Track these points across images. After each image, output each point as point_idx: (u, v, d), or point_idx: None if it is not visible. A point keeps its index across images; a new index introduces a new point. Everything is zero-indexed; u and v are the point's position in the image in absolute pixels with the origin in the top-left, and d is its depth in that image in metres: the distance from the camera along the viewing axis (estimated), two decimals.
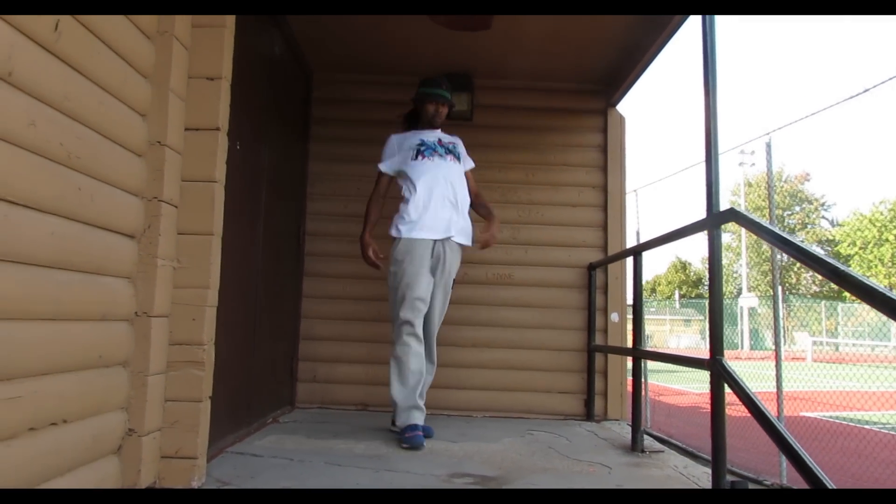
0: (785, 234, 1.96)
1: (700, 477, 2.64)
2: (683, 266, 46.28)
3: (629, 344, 4.05)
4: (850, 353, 20.29)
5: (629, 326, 4.03)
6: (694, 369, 2.61)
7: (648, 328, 28.60)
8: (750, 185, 34.75)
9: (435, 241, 3.16)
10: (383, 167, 3.32)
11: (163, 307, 2.09)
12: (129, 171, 1.94)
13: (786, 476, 3.82)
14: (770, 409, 1.96)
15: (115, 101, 1.85)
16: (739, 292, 32.16)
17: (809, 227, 38.13)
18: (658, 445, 3.35)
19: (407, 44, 3.94)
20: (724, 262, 37.03)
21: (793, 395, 8.15)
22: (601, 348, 4.15)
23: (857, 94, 4.24)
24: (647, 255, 3.42)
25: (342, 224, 4.17)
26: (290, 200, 3.93)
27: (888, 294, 1.40)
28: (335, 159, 4.31)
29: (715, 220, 2.33)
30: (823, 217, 38.89)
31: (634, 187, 8.21)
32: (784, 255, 2.33)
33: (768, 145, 4.46)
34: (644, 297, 3.57)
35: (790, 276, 34.39)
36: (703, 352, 2.43)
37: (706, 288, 2.80)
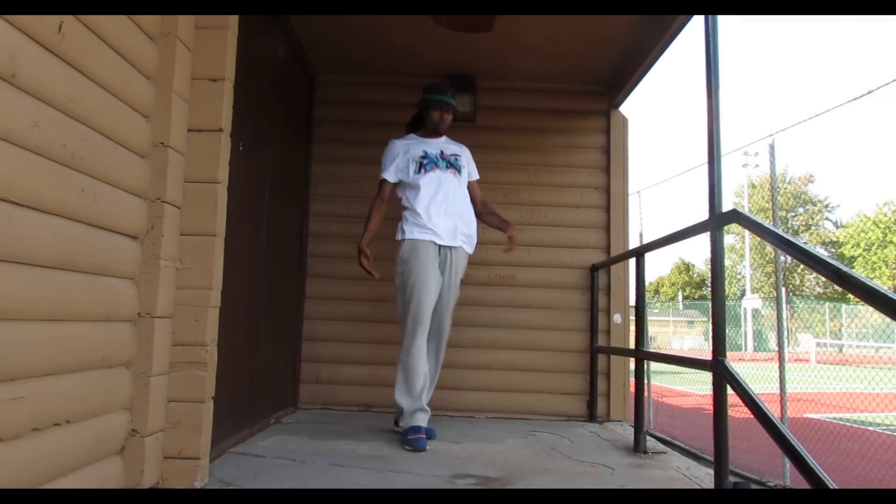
0: (787, 236, 1.96)
1: (703, 478, 2.64)
2: (687, 267, 46.22)
3: (632, 345, 4.05)
4: (854, 355, 20.22)
5: (632, 328, 4.03)
6: (697, 371, 2.61)
7: (652, 329, 28.63)
8: (753, 186, 34.66)
9: (440, 245, 3.16)
10: (387, 176, 3.26)
11: (166, 308, 2.09)
12: (132, 173, 1.95)
13: (789, 477, 3.81)
14: (774, 411, 1.96)
15: (119, 103, 1.86)
16: (743, 294, 32.08)
17: (813, 228, 38.07)
18: (661, 447, 3.34)
19: (410, 45, 3.94)
20: (728, 263, 37.02)
21: (796, 396, 8.12)
22: (604, 349, 4.15)
23: (861, 96, 4.24)
24: (650, 257, 3.43)
25: (345, 225, 4.17)
26: (292, 201, 3.94)
27: (890, 295, 1.39)
28: (338, 160, 4.32)
29: (717, 221, 2.33)
30: (827, 219, 38.86)
31: (637, 189, 8.21)
32: (788, 256, 2.33)
33: (771, 147, 4.46)
34: (647, 298, 3.56)
35: (794, 277, 34.30)
36: (707, 353, 2.43)
37: (709, 289, 2.80)
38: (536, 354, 4.21)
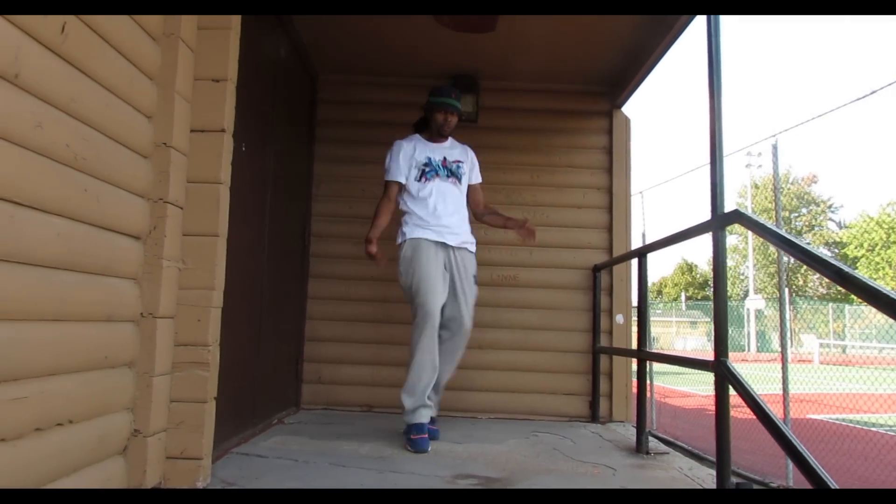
0: (789, 236, 1.96)
1: (705, 479, 2.64)
2: (690, 268, 46.17)
3: (634, 346, 4.04)
4: (858, 356, 20.20)
5: (634, 328, 4.03)
6: (700, 371, 2.61)
7: (655, 330, 28.62)
8: (757, 186, 34.62)
9: (443, 244, 3.16)
10: (394, 177, 3.24)
11: (168, 308, 2.10)
12: (134, 173, 1.95)
13: (792, 478, 3.80)
14: (777, 412, 1.96)
15: (121, 103, 1.86)
16: (746, 294, 32.03)
17: (816, 229, 38.00)
18: (663, 447, 3.34)
19: (412, 46, 3.95)
20: (731, 263, 36.95)
21: (800, 397, 8.12)
22: (606, 350, 4.15)
23: (864, 96, 4.23)
24: (653, 257, 3.43)
25: (347, 225, 4.18)
26: (295, 202, 3.94)
27: (893, 296, 1.39)
28: (340, 161, 4.32)
29: (719, 221, 2.33)
30: (831, 219, 38.77)
31: (640, 189, 8.21)
32: (791, 257, 2.33)
33: (774, 147, 4.45)
34: (650, 298, 3.56)
35: (797, 278, 34.25)
36: (710, 354, 2.42)
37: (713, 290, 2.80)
38: (539, 355, 4.21)
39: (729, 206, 2.35)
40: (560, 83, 4.41)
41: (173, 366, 2.15)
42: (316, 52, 4.06)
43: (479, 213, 3.49)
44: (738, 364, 2.22)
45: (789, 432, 1.84)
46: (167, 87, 2.09)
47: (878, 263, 30.76)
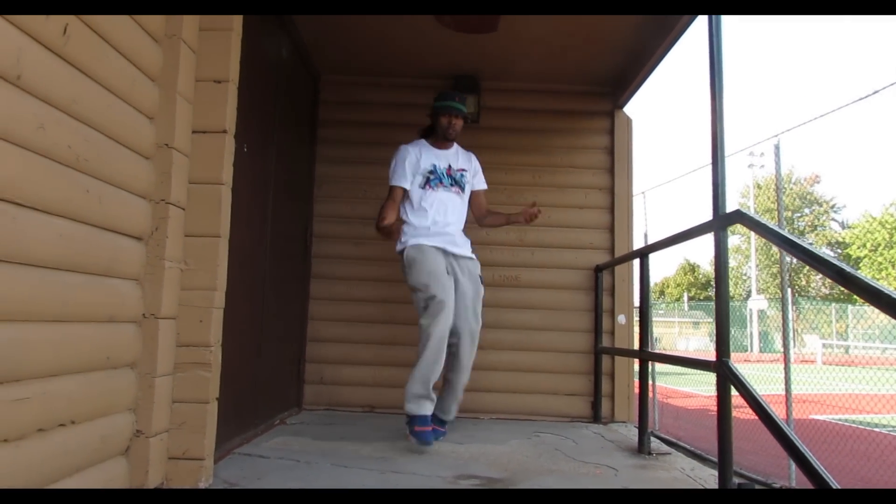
0: (790, 236, 1.95)
1: (707, 479, 2.63)
2: (692, 268, 46.08)
3: (636, 346, 4.04)
4: (861, 356, 20.13)
5: (636, 329, 4.03)
6: (703, 372, 2.60)
7: (657, 330, 28.58)
8: (759, 187, 34.55)
9: (443, 250, 3.16)
10: (401, 183, 3.22)
11: (170, 309, 2.10)
12: (136, 174, 1.96)
13: (795, 479, 3.80)
14: (779, 412, 1.96)
15: (123, 104, 1.87)
16: (749, 294, 31.99)
17: (819, 229, 37.90)
18: (665, 448, 3.33)
19: (414, 46, 3.95)
20: (734, 264, 36.88)
21: (802, 397, 8.11)
22: (608, 350, 4.14)
23: (867, 96, 4.22)
24: (655, 258, 3.42)
25: (349, 226, 4.18)
26: (297, 202, 3.95)
27: (894, 296, 1.39)
28: (342, 161, 4.32)
29: (721, 221, 2.33)
30: (833, 219, 38.67)
31: (642, 189, 8.20)
32: (792, 257, 2.32)
33: (777, 147, 4.44)
34: (653, 299, 3.56)
35: (800, 278, 34.19)
36: (712, 354, 2.42)
37: (714, 290, 2.79)
38: (541, 355, 4.21)
39: (731, 207, 2.35)
40: (561, 83, 4.41)
41: (175, 366, 2.15)
42: (317, 52, 4.06)
43: (481, 217, 3.50)
44: (741, 364, 2.22)
45: (791, 432, 1.84)
46: (169, 88, 2.10)
47: (880, 264, 30.68)
